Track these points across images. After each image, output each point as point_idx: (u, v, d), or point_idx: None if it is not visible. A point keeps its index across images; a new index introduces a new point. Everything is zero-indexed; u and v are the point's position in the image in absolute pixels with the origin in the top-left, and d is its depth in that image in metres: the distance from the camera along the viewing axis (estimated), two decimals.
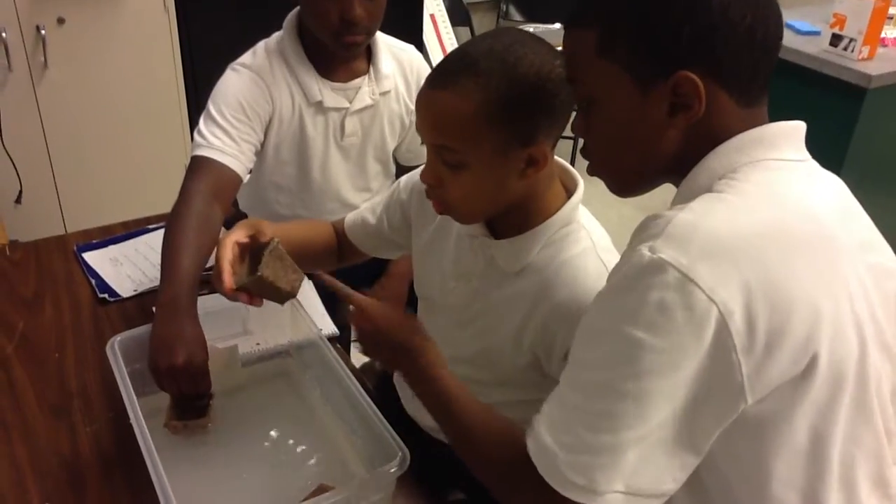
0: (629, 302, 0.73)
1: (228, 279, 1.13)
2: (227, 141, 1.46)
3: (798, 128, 0.86)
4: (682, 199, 0.83)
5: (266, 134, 1.56)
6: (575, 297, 1.05)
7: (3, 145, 2.44)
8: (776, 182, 0.80)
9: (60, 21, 2.42)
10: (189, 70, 2.68)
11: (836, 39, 2.67)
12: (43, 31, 2.39)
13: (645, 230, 0.78)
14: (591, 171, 0.93)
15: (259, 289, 1.13)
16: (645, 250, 0.73)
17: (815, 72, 2.69)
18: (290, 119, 1.57)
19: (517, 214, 1.09)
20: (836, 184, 0.89)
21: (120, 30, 2.52)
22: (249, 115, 1.50)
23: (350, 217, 1.39)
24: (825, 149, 2.70)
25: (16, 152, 2.47)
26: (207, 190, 1.40)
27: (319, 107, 1.58)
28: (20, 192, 2.54)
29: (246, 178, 1.50)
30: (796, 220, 0.77)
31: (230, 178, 1.45)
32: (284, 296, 1.14)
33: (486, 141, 1.00)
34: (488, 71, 0.98)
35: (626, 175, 0.90)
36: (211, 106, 1.49)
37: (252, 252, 1.18)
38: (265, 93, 1.52)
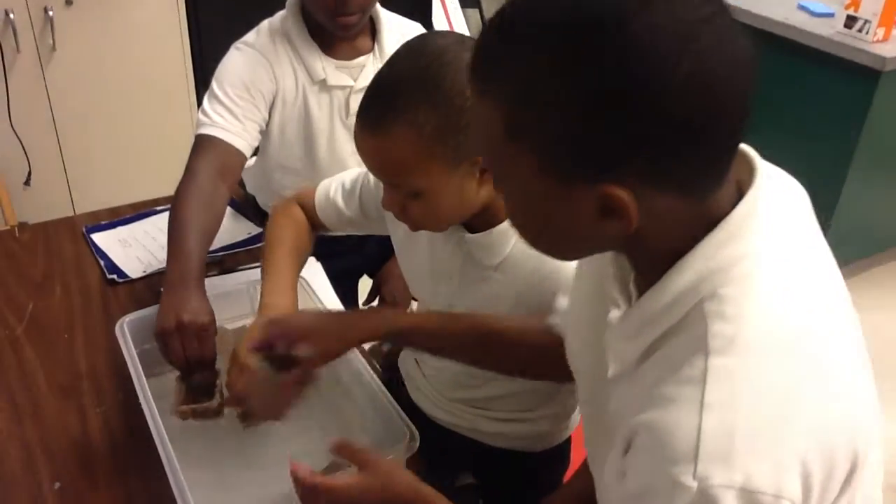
0: None
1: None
2: (230, 119, 1.45)
3: (756, 199, 0.69)
4: (648, 320, 0.71)
5: (270, 113, 1.56)
6: (560, 288, 1.04)
7: (12, 127, 2.44)
8: (769, 307, 0.66)
9: (68, 3, 2.41)
10: (197, 51, 2.67)
11: (850, 21, 2.64)
12: (51, 13, 2.38)
13: (663, 450, 0.64)
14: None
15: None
16: (688, 479, 0.61)
17: (828, 54, 2.67)
18: (295, 98, 1.56)
19: (490, 209, 1.07)
20: (805, 230, 0.75)
21: (127, 11, 2.51)
22: (253, 93, 1.49)
23: (321, 200, 1.30)
24: (838, 133, 2.68)
25: (24, 134, 2.47)
26: (212, 168, 1.39)
27: (323, 85, 1.57)
28: (29, 173, 2.54)
29: (250, 156, 1.49)
30: (810, 354, 0.66)
31: (235, 157, 1.44)
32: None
33: (433, 168, 0.98)
34: (412, 105, 0.95)
35: (559, 254, 0.78)
36: (214, 85, 1.49)
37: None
38: (268, 71, 1.51)
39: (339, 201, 1.29)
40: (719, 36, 0.60)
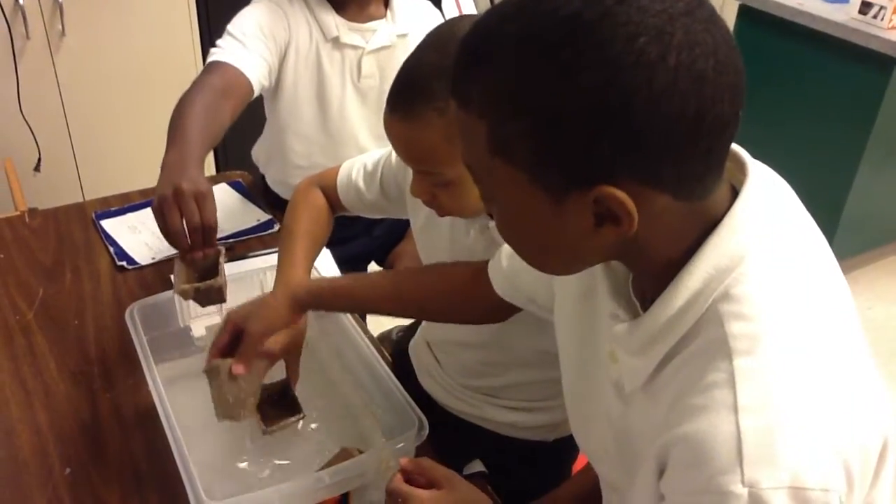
0: None
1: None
2: (240, 50, 1.47)
3: (750, 201, 0.68)
4: (659, 322, 0.68)
5: (283, 67, 1.58)
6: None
7: (22, 113, 2.44)
8: (785, 303, 0.65)
9: None
10: (207, 36, 2.66)
11: (865, 7, 2.61)
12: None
13: (706, 461, 0.62)
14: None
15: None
16: (737, 487, 0.60)
17: (842, 41, 2.64)
18: (307, 52, 1.59)
19: None
20: (801, 222, 0.72)
21: None
22: (266, 34, 1.52)
23: (343, 182, 1.31)
24: (851, 120, 2.65)
25: (34, 120, 2.47)
26: (217, 84, 1.39)
27: (336, 42, 1.60)
28: (39, 159, 2.54)
29: (257, 88, 1.49)
30: (829, 346, 0.66)
31: (241, 82, 1.45)
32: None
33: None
34: (442, 92, 0.93)
35: (550, 268, 0.76)
36: (228, 27, 1.52)
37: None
38: (283, 20, 1.55)
39: (361, 183, 1.29)
40: (703, 27, 0.59)
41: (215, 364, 1.07)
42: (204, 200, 1.10)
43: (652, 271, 0.70)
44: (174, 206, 1.08)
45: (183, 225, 1.09)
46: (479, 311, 1.10)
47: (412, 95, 0.97)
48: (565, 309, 0.88)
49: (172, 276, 1.17)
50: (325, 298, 1.12)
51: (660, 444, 0.67)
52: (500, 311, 1.07)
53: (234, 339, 1.09)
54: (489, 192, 0.69)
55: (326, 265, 1.53)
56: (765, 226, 0.68)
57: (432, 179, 1.02)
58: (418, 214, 1.23)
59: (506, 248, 1.01)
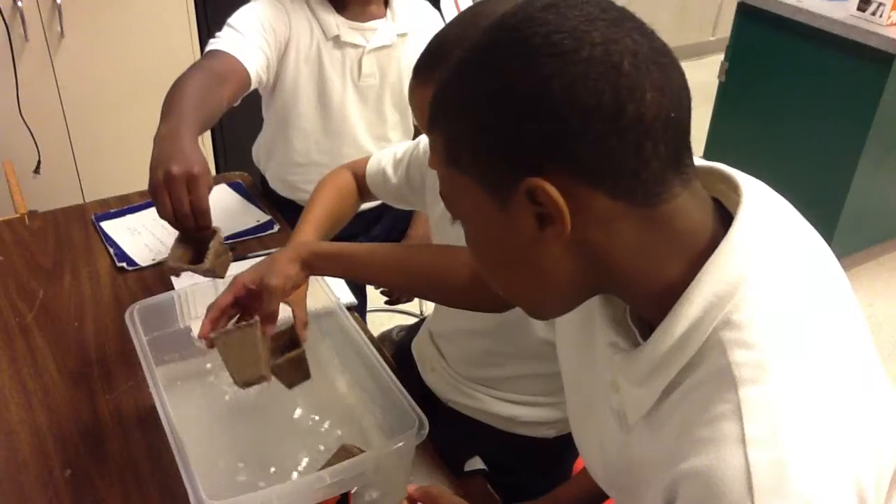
0: None
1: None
2: (239, 40, 1.47)
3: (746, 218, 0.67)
4: (668, 360, 0.67)
5: (284, 63, 1.59)
6: None
7: (21, 115, 2.44)
8: (789, 329, 0.64)
9: None
10: (206, 38, 2.66)
11: (864, 4, 2.61)
12: (59, 0, 2.37)
13: (716, 497, 0.60)
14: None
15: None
16: None
17: (841, 37, 2.64)
18: (308, 50, 1.60)
19: None
20: (803, 237, 0.71)
21: None
22: (266, 28, 1.53)
23: (372, 167, 1.36)
24: (850, 117, 2.65)
25: (34, 122, 2.47)
26: (215, 68, 1.39)
27: (337, 41, 1.61)
28: (38, 162, 2.54)
29: (254, 79, 1.49)
30: (837, 368, 0.65)
31: (238, 69, 1.44)
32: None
33: None
34: None
35: (527, 300, 0.75)
36: (228, 21, 1.53)
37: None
38: (284, 16, 1.56)
39: (388, 169, 1.33)
40: (626, 33, 0.61)
41: (255, 321, 1.06)
42: (195, 184, 1.07)
43: (642, 299, 0.69)
44: (164, 192, 1.06)
45: (172, 208, 1.07)
46: (478, 299, 1.10)
47: (434, 62, 1.01)
48: (566, 334, 0.88)
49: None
50: (328, 261, 1.13)
51: (668, 480, 0.65)
52: (498, 302, 1.06)
53: (236, 302, 1.10)
54: (455, 211, 0.71)
55: None
56: (764, 248, 0.66)
57: None
58: (436, 207, 1.25)
59: None
